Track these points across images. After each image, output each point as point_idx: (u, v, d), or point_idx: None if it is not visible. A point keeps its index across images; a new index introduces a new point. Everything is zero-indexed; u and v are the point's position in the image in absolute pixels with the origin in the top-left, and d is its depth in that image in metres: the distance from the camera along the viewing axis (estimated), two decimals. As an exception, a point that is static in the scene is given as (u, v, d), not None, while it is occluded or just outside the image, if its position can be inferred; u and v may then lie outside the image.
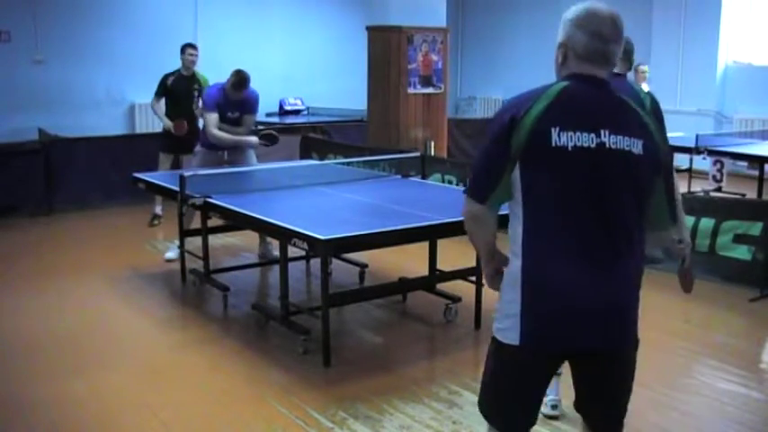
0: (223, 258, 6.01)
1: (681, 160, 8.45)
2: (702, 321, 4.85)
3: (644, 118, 2.05)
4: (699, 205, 5.63)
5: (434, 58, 8.31)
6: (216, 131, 5.68)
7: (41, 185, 7.76)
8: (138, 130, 10.21)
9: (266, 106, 11.15)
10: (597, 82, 2.04)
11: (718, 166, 7.44)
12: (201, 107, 6.21)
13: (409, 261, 5.40)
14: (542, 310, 2.00)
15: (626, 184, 1.99)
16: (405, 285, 4.94)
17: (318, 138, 9.33)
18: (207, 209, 4.79)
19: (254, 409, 3.54)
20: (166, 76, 7.12)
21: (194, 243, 5.43)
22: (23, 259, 6.21)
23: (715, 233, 5.44)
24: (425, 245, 4.78)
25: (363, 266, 5.45)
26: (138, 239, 6.85)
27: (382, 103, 8.29)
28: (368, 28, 8.39)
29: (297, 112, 11.51)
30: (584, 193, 1.97)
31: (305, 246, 3.82)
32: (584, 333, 2.01)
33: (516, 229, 2.03)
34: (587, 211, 1.97)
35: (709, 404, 3.61)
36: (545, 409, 3.37)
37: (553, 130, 1.94)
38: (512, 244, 2.06)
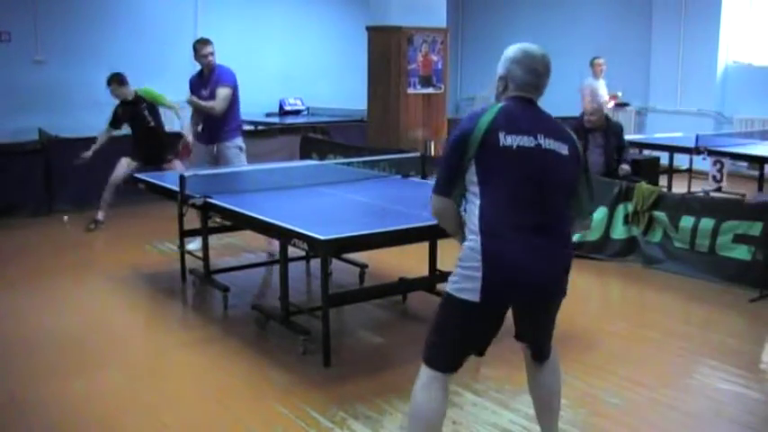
0: (223, 258, 6.01)
1: (681, 160, 8.46)
2: (702, 321, 4.85)
3: (565, 129, 2.67)
4: (699, 205, 5.63)
5: (434, 58, 8.32)
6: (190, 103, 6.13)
7: (41, 185, 7.77)
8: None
9: (266, 106, 11.19)
10: (529, 101, 2.65)
11: (718, 166, 7.44)
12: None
13: (409, 261, 5.40)
14: (499, 276, 2.51)
15: (557, 176, 2.59)
16: (405, 285, 4.94)
17: (318, 138, 9.33)
18: (207, 209, 4.79)
19: (254, 409, 3.54)
20: (116, 108, 7.27)
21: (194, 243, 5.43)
22: (23, 259, 6.21)
23: (715, 233, 5.44)
24: (425, 245, 4.78)
25: (363, 266, 5.45)
26: (138, 239, 6.85)
27: (382, 104, 8.29)
28: (368, 28, 8.40)
29: (297, 113, 11.52)
30: (527, 182, 2.53)
31: (305, 246, 3.82)
32: (533, 291, 2.59)
33: (473, 211, 2.56)
34: (530, 195, 2.54)
35: (709, 404, 3.61)
36: None
37: (500, 133, 2.52)
38: (469, 224, 2.58)
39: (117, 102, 7.23)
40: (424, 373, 2.68)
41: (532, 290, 2.59)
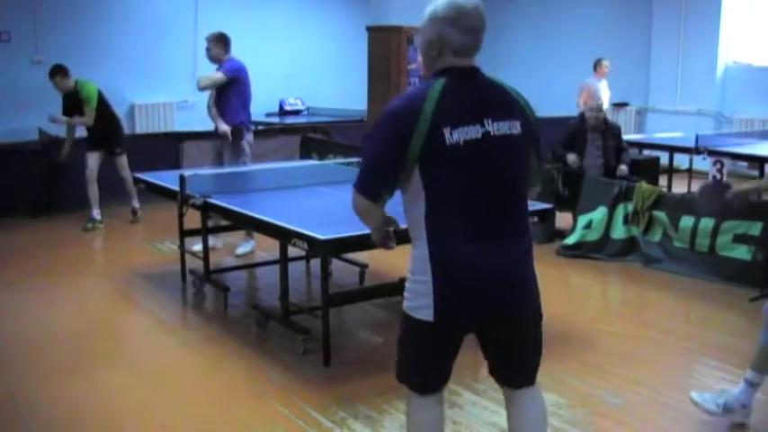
0: (223, 258, 6.01)
1: (681, 160, 8.46)
2: (702, 321, 4.85)
3: (515, 97, 2.28)
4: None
5: (434, 58, 8.31)
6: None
7: (41, 185, 7.76)
8: (138, 131, 10.22)
9: (266, 106, 11.18)
10: (472, 72, 2.25)
11: (719, 166, 7.43)
12: None
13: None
14: (451, 290, 2.20)
15: (511, 164, 2.23)
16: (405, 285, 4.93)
17: (318, 138, 9.33)
18: (207, 209, 4.79)
19: (254, 408, 3.54)
20: (63, 99, 7.29)
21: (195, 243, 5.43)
22: (23, 259, 6.21)
23: (715, 233, 5.44)
24: (425, 245, 4.77)
25: (363, 266, 5.45)
26: (138, 239, 6.85)
27: (382, 104, 8.25)
28: (368, 28, 8.40)
29: (297, 113, 11.51)
30: (478, 179, 2.18)
31: (305, 246, 3.82)
32: (490, 304, 2.23)
33: (418, 217, 2.22)
34: (483, 196, 2.19)
35: (709, 404, 3.60)
36: (744, 418, 3.28)
37: (445, 130, 2.13)
38: (413, 230, 2.26)
39: (61, 95, 7.24)
40: (407, 396, 2.43)
41: (494, 302, 2.22)
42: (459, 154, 2.14)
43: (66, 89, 7.18)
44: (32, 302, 5.15)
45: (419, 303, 2.24)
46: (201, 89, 6.11)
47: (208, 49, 6.12)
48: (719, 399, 3.31)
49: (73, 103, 7.20)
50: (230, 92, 6.04)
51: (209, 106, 6.19)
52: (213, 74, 6.07)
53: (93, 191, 7.18)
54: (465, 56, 2.25)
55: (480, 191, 2.19)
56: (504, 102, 2.25)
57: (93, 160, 7.18)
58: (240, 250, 6.14)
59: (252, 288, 5.49)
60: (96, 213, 7.20)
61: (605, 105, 9.42)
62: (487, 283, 2.20)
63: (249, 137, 6.20)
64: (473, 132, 2.15)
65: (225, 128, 5.98)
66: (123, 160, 7.27)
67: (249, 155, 6.18)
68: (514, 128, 2.22)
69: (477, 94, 2.23)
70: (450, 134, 2.13)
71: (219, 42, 6.11)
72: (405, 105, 2.18)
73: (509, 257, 2.24)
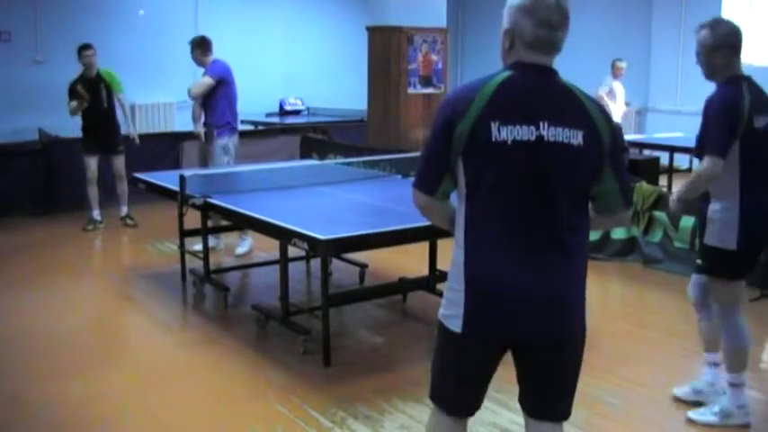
0: (223, 258, 6.01)
1: (681, 160, 8.46)
2: (702, 321, 4.84)
3: (587, 106, 2.04)
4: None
5: (434, 58, 8.32)
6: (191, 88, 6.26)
7: (41, 185, 7.77)
8: (139, 130, 10.20)
9: (266, 106, 11.19)
10: (542, 70, 2.04)
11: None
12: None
13: (409, 261, 5.40)
14: (481, 301, 2.03)
15: (566, 176, 2.00)
16: (405, 285, 4.94)
17: (318, 138, 9.33)
18: (207, 209, 4.79)
19: (254, 408, 3.54)
20: (73, 84, 7.08)
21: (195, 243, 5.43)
22: (23, 259, 6.21)
23: (715, 233, 5.43)
24: (425, 245, 4.78)
25: (363, 266, 5.45)
26: (139, 239, 6.85)
27: (382, 103, 8.29)
28: (368, 28, 8.40)
29: (297, 113, 11.52)
30: (524, 186, 1.99)
31: (305, 246, 3.82)
32: (522, 324, 2.03)
33: (460, 219, 2.08)
34: (527, 203, 1.99)
35: (709, 404, 3.60)
36: (745, 418, 3.32)
37: (493, 125, 1.95)
38: (456, 233, 2.11)
39: (77, 77, 7.12)
40: (432, 411, 2.28)
41: (528, 323, 2.03)
42: (506, 154, 1.96)
43: (93, 68, 7.08)
44: (32, 302, 5.15)
45: (450, 312, 2.09)
46: (194, 98, 6.14)
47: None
48: (714, 408, 3.34)
49: (87, 88, 7.04)
50: (218, 93, 6.08)
51: (193, 107, 6.25)
52: (201, 80, 6.09)
53: (94, 192, 7.17)
54: (539, 52, 2.02)
55: (526, 199, 1.99)
56: (569, 108, 2.02)
57: (93, 161, 7.15)
58: (239, 250, 6.14)
59: (252, 288, 5.49)
60: (96, 214, 7.20)
61: (621, 105, 9.44)
62: (522, 302, 2.01)
63: (235, 138, 6.23)
64: (525, 133, 1.96)
65: (199, 130, 6.15)
66: (122, 160, 7.25)
67: (233, 155, 6.19)
68: (575, 138, 1.98)
69: (540, 95, 2.02)
70: (498, 130, 1.95)
71: (202, 46, 6.13)
72: (459, 92, 2.04)
73: (552, 277, 2.02)
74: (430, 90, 8.34)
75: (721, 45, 3.15)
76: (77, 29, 9.81)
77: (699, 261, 3.39)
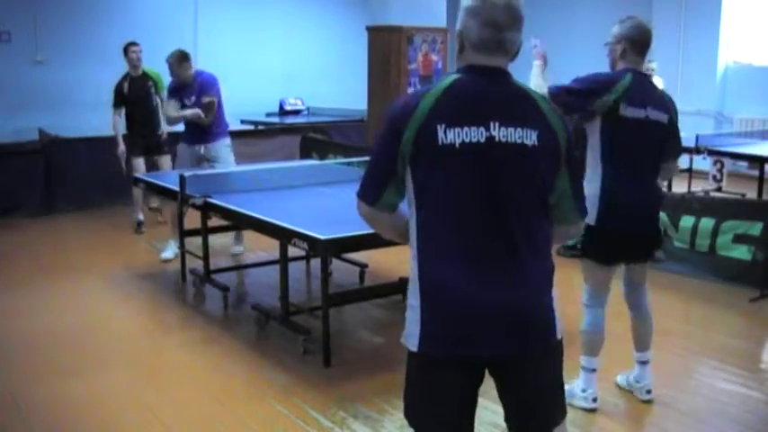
0: (223, 258, 6.01)
1: (681, 160, 8.43)
2: (702, 321, 4.85)
3: (542, 107, 1.95)
4: (699, 205, 5.64)
5: (434, 58, 8.31)
6: (167, 112, 6.06)
7: (41, 185, 7.77)
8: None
9: (266, 106, 11.18)
10: (492, 71, 1.94)
11: (719, 166, 7.44)
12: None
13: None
14: (436, 315, 1.90)
15: (520, 179, 1.90)
16: (405, 285, 4.92)
17: (318, 138, 9.33)
18: (207, 209, 4.79)
19: (254, 409, 3.54)
20: (119, 84, 6.92)
21: (194, 243, 5.43)
22: (23, 259, 6.22)
23: (715, 233, 5.44)
24: (425, 245, 4.77)
25: (363, 266, 5.45)
26: (138, 239, 6.85)
27: (382, 103, 8.27)
28: (368, 28, 8.39)
29: (297, 113, 11.50)
30: (476, 192, 1.87)
31: (305, 246, 3.82)
32: (481, 339, 1.89)
33: (412, 231, 1.96)
34: (480, 210, 1.88)
35: (709, 404, 3.61)
36: (585, 402, 3.46)
37: (439, 128, 1.85)
38: (411, 246, 1.98)
39: (122, 76, 6.95)
40: None
41: (489, 336, 1.89)
42: (455, 158, 1.85)
43: (138, 66, 6.90)
44: (33, 302, 5.15)
45: (409, 331, 1.95)
46: (209, 121, 5.96)
47: (175, 72, 5.84)
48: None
49: (136, 87, 6.88)
50: (219, 102, 6.00)
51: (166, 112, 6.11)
52: (209, 103, 5.87)
53: (139, 194, 6.91)
54: (488, 53, 1.93)
55: (479, 206, 1.87)
56: (522, 107, 1.93)
57: (141, 163, 6.93)
58: (164, 255, 6.10)
59: (252, 288, 5.49)
60: (140, 216, 7.08)
61: None
62: (479, 316, 1.87)
63: (228, 140, 6.15)
64: (474, 135, 1.85)
65: (194, 111, 5.88)
66: (168, 160, 7.00)
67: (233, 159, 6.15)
68: (529, 138, 1.88)
69: (489, 95, 1.91)
70: (444, 133, 1.84)
71: (184, 60, 5.84)
72: (406, 99, 1.94)
73: (512, 288, 1.89)
74: (430, 90, 8.34)
75: (622, 38, 3.30)
76: (77, 29, 9.81)
77: None
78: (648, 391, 3.56)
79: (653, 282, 5.69)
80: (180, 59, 5.81)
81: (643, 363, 3.58)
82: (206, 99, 5.87)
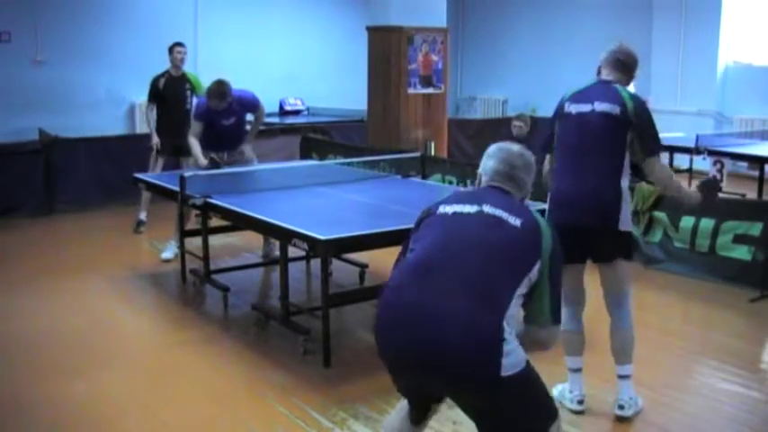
0: (223, 258, 6.01)
1: (681, 160, 8.45)
2: (702, 321, 4.85)
3: (531, 214, 2.31)
4: (699, 205, 5.63)
5: (434, 58, 8.31)
6: (190, 139, 5.72)
7: (41, 185, 7.77)
8: (139, 131, 10.20)
9: (266, 106, 11.14)
10: (498, 189, 2.41)
11: (719, 166, 7.43)
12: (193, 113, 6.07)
13: (409, 261, 5.39)
14: (378, 326, 2.23)
15: (489, 236, 2.21)
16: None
17: (318, 138, 9.33)
18: (207, 209, 4.79)
19: (254, 409, 3.55)
20: (156, 79, 6.89)
21: (194, 243, 5.43)
22: (24, 259, 6.21)
23: (715, 233, 5.44)
24: (425, 245, 4.77)
25: (363, 266, 5.45)
26: (138, 239, 6.85)
27: (382, 103, 8.29)
28: (368, 28, 8.40)
29: (297, 113, 11.51)
30: (445, 235, 2.27)
31: (305, 246, 3.82)
32: (411, 363, 2.15)
33: None
34: (442, 248, 2.24)
35: (709, 404, 3.61)
36: (571, 404, 3.46)
37: (441, 206, 2.36)
38: None
39: (161, 72, 6.91)
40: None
41: (410, 362, 2.15)
42: (442, 219, 2.34)
43: (181, 66, 6.86)
44: (33, 302, 5.15)
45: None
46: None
47: (211, 103, 5.54)
48: (559, 387, 3.56)
49: (173, 87, 6.82)
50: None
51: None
52: (258, 111, 5.93)
53: (147, 194, 6.76)
54: (497, 181, 2.47)
55: (441, 243, 2.26)
56: (512, 202, 2.38)
57: (161, 162, 6.89)
58: (165, 255, 6.06)
59: (252, 288, 5.49)
60: (144, 216, 7.04)
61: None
62: (401, 337, 2.13)
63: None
64: (467, 208, 2.33)
65: (202, 162, 5.65)
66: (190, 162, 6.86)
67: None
68: (512, 219, 2.28)
69: (490, 195, 2.42)
70: (444, 208, 2.38)
71: (223, 99, 5.53)
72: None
73: (441, 317, 2.06)
74: (430, 90, 8.34)
75: (604, 60, 3.67)
76: (77, 29, 9.82)
77: None
78: (621, 407, 3.39)
79: (653, 282, 5.71)
80: (220, 97, 5.51)
81: (620, 377, 3.44)
82: (257, 110, 5.95)
